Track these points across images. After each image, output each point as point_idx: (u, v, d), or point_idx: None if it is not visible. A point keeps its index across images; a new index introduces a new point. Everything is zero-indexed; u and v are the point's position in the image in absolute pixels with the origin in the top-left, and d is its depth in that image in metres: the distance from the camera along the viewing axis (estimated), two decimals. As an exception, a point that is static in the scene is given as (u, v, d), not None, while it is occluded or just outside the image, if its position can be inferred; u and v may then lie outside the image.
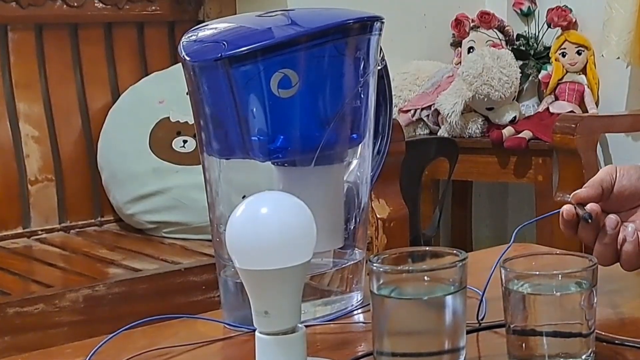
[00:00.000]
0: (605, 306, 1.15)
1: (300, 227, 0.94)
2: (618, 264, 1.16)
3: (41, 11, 2.66)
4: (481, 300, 1.09)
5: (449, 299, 0.95)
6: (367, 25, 1.19)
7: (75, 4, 2.70)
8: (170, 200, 2.48)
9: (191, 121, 2.49)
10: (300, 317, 0.96)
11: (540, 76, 3.32)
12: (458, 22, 3.41)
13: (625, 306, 1.22)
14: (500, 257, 1.02)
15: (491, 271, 1.06)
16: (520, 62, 3.23)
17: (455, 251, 0.99)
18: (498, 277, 0.98)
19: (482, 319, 1.11)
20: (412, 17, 3.39)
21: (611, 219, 1.12)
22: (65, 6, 2.70)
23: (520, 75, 3.13)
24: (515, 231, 1.11)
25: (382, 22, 1.21)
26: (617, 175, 1.16)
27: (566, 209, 1.13)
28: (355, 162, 1.25)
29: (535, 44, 3.39)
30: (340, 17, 1.18)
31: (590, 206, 1.12)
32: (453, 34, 3.44)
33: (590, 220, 1.11)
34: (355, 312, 1.22)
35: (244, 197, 1.03)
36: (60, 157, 2.66)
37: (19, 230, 2.58)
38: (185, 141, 2.54)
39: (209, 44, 1.18)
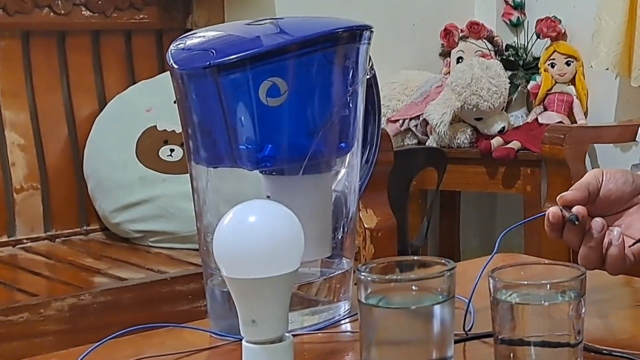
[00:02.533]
0: (593, 316, 1.15)
1: (288, 236, 0.94)
2: (601, 271, 1.15)
3: (28, 19, 2.65)
4: (467, 309, 1.09)
5: (437, 308, 0.95)
6: (356, 34, 1.19)
7: (63, 12, 2.70)
8: (157, 209, 2.47)
9: (178, 130, 2.49)
10: (288, 326, 0.96)
11: (529, 87, 3.33)
12: (447, 32, 3.41)
13: (614, 316, 1.22)
14: (485, 265, 1.02)
15: (477, 280, 1.05)
16: (509, 73, 3.24)
17: (443, 260, 0.99)
18: (485, 287, 0.97)
19: (469, 330, 1.10)
20: (401, 27, 3.40)
21: (597, 222, 1.12)
22: (52, 14, 2.69)
23: (509, 85, 3.13)
24: (501, 235, 1.11)
25: (372, 31, 1.21)
26: (604, 178, 1.16)
27: (552, 211, 1.13)
28: (343, 171, 1.25)
29: (524, 55, 3.40)
30: (329, 26, 1.18)
31: (577, 209, 1.11)
32: (442, 44, 3.45)
33: (577, 222, 1.10)
34: (342, 322, 1.21)
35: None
36: (46, 166, 2.65)
37: (4, 238, 2.56)
38: (172, 150, 2.53)
39: (197, 52, 1.17)
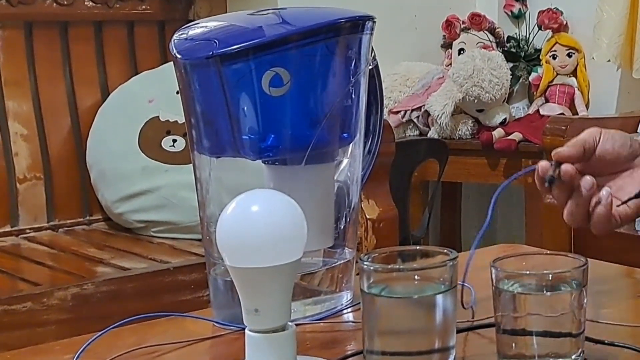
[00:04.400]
0: (595, 306, 1.15)
1: (291, 225, 0.94)
2: (603, 262, 1.15)
3: (31, 9, 2.66)
4: (463, 285, 1.06)
5: (439, 298, 0.95)
6: (358, 24, 1.19)
7: (65, 3, 2.70)
8: (159, 200, 2.47)
9: (181, 120, 2.50)
10: (291, 315, 0.96)
11: (530, 78, 3.32)
12: (449, 24, 3.41)
13: (615, 307, 1.22)
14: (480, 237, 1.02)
15: (473, 251, 1.04)
16: (511, 64, 3.23)
17: (445, 250, 0.99)
18: (486, 277, 0.98)
19: (472, 316, 1.11)
20: (403, 18, 3.39)
21: (587, 180, 1.11)
22: (55, 4, 2.69)
23: (511, 77, 3.13)
24: (497, 193, 1.10)
25: (374, 22, 1.21)
26: (602, 138, 1.15)
27: (542, 165, 1.12)
28: (345, 161, 1.25)
29: (525, 46, 3.40)
30: (331, 16, 1.18)
31: (565, 167, 1.11)
32: (444, 36, 3.44)
33: (551, 184, 1.10)
34: (345, 312, 1.22)
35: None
36: (49, 156, 2.66)
37: (7, 228, 2.57)
38: (174, 140, 2.53)
39: (200, 42, 1.18)
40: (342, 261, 1.24)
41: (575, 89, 3.24)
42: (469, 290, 1.11)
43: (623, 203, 1.13)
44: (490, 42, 3.35)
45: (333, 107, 1.18)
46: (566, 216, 1.12)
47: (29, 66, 2.66)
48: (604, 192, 1.12)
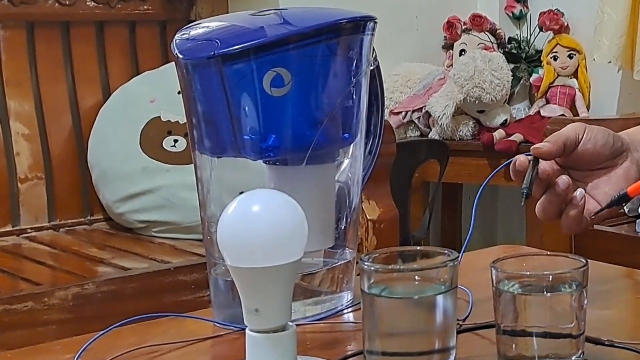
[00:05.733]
0: (595, 307, 1.15)
1: (292, 226, 0.94)
2: (604, 263, 1.15)
3: (33, 9, 2.66)
4: (461, 252, 1.07)
5: (439, 298, 0.95)
6: (360, 25, 1.20)
7: (67, 2, 2.70)
8: (160, 200, 2.47)
9: (182, 120, 2.50)
10: (291, 315, 0.96)
11: (531, 79, 3.33)
12: (450, 25, 3.41)
13: (615, 307, 1.22)
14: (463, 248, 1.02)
15: (461, 254, 1.05)
16: (512, 65, 3.24)
17: (446, 251, 0.99)
18: (486, 278, 0.98)
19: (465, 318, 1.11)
20: (404, 19, 3.40)
21: (563, 179, 1.11)
22: (56, 4, 2.69)
23: (512, 78, 3.13)
24: (477, 196, 1.11)
25: (375, 22, 1.21)
26: (584, 136, 1.14)
27: (520, 159, 1.12)
28: (346, 162, 1.25)
29: (526, 47, 3.40)
30: (333, 17, 1.18)
31: (544, 165, 1.11)
32: (445, 37, 3.45)
33: (527, 198, 1.10)
34: (345, 312, 1.22)
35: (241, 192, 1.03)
36: (50, 156, 2.66)
37: (9, 228, 2.57)
38: (176, 140, 2.54)
39: (202, 42, 1.18)
40: (342, 261, 1.24)
41: (576, 90, 3.24)
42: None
43: (596, 214, 1.13)
44: (491, 43, 3.35)
45: (334, 107, 1.18)
46: (538, 211, 1.13)
47: (30, 66, 2.66)
48: (578, 193, 1.12)
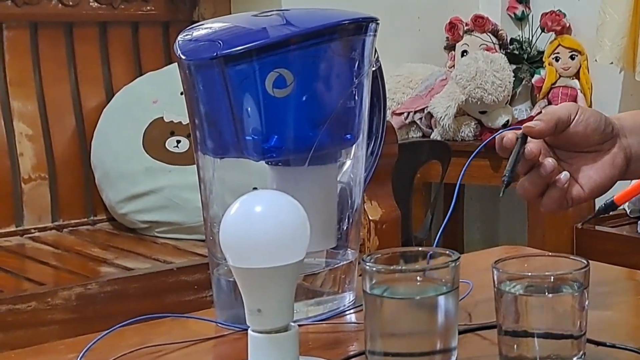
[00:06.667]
0: (596, 308, 1.16)
1: (294, 226, 0.94)
2: (605, 265, 1.15)
3: (36, 10, 2.67)
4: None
5: (441, 299, 0.95)
6: (362, 26, 1.20)
7: (71, 3, 2.71)
8: (163, 200, 2.48)
9: (185, 121, 2.50)
10: (293, 316, 0.96)
11: (533, 80, 3.33)
12: (452, 26, 3.41)
13: (617, 309, 1.22)
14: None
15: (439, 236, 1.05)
16: (514, 66, 3.24)
17: (447, 252, 1.00)
18: (488, 278, 0.98)
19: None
20: (406, 20, 3.40)
21: (550, 162, 1.11)
22: (60, 5, 2.70)
23: (514, 79, 3.13)
24: (462, 171, 1.12)
25: (377, 23, 1.21)
26: (576, 118, 1.13)
27: (509, 136, 1.12)
28: (348, 162, 1.25)
29: (528, 48, 3.40)
30: (335, 18, 1.18)
31: (531, 147, 1.10)
32: (447, 37, 3.45)
33: (507, 186, 1.10)
34: (347, 312, 1.22)
35: (254, 188, 1.04)
36: (53, 156, 2.66)
37: (12, 228, 2.58)
38: (178, 141, 2.54)
39: (204, 43, 1.18)
40: (344, 262, 1.25)
41: (578, 91, 3.24)
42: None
43: (585, 222, 1.14)
44: (493, 44, 3.35)
45: (336, 108, 1.18)
46: (519, 189, 1.13)
47: (34, 66, 2.67)
48: (563, 176, 1.12)
